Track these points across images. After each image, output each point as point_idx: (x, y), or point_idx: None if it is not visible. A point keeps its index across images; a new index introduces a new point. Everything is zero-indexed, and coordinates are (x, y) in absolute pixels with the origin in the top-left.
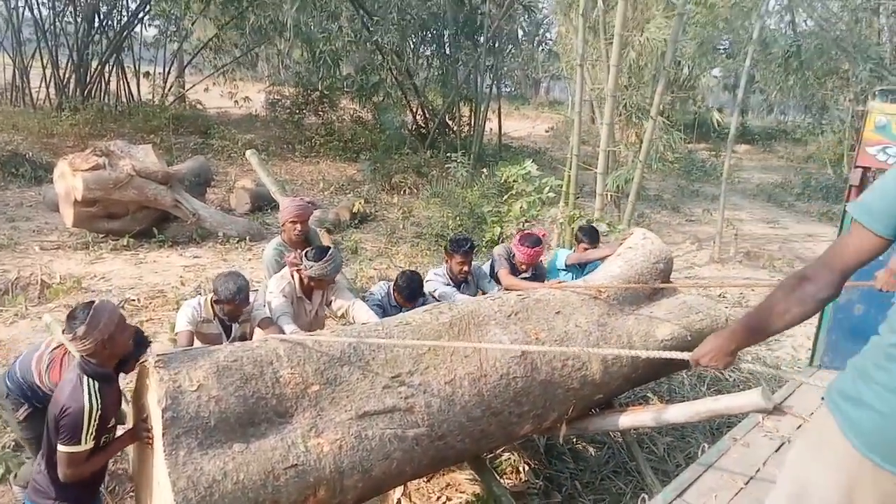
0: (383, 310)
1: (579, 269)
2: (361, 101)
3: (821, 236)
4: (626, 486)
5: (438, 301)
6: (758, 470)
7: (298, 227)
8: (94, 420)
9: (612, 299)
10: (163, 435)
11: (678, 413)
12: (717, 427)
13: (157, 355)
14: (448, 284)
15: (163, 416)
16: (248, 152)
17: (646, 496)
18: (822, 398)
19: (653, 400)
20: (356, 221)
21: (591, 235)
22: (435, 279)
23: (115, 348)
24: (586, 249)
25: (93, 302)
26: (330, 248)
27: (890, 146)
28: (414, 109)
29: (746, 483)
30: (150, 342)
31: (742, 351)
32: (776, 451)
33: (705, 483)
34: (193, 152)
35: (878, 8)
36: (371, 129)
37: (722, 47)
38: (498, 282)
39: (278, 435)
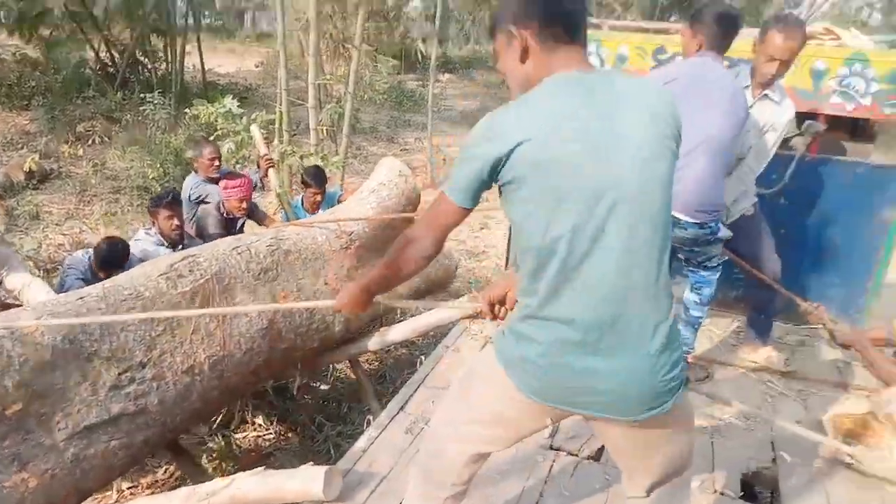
0: (87, 284)
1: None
2: (24, 36)
3: None
4: (354, 409)
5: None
6: None
7: None
8: None
9: (361, 248)
10: None
11: (400, 332)
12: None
13: None
14: (161, 245)
15: None
16: None
17: (370, 417)
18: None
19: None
20: (34, 181)
21: (317, 178)
22: (146, 238)
23: None
24: (315, 193)
25: None
26: None
27: None
28: (96, 45)
29: None
30: None
31: (459, 267)
32: (481, 349)
33: (424, 392)
34: None
35: None
36: (43, 70)
37: None
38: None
39: None
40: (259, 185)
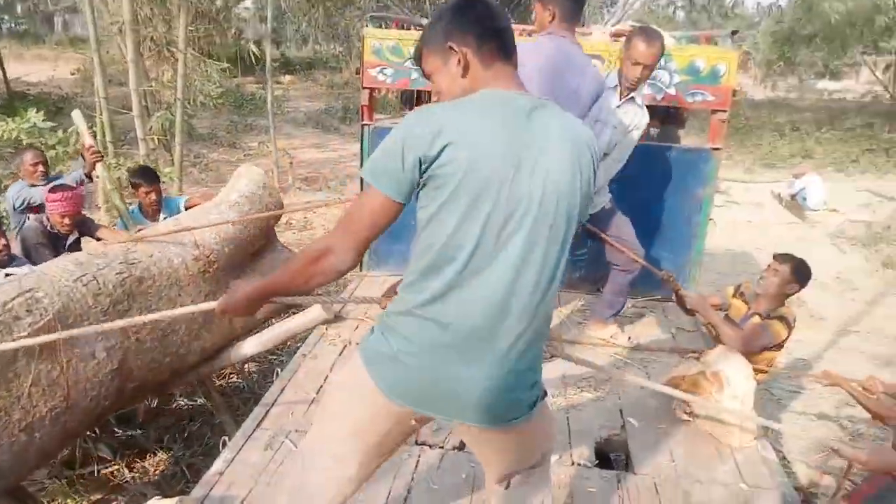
0: None
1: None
2: None
3: None
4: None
5: None
6: (326, 377)
7: None
8: None
9: (220, 270)
10: None
11: (253, 345)
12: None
13: None
14: None
15: None
16: None
17: (226, 438)
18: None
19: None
20: None
21: (146, 175)
22: None
23: None
24: (148, 192)
25: None
26: None
27: (386, 67)
28: None
29: (317, 392)
30: None
31: None
32: (339, 354)
33: (281, 404)
34: None
35: None
36: None
37: None
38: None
39: None
40: (86, 180)
